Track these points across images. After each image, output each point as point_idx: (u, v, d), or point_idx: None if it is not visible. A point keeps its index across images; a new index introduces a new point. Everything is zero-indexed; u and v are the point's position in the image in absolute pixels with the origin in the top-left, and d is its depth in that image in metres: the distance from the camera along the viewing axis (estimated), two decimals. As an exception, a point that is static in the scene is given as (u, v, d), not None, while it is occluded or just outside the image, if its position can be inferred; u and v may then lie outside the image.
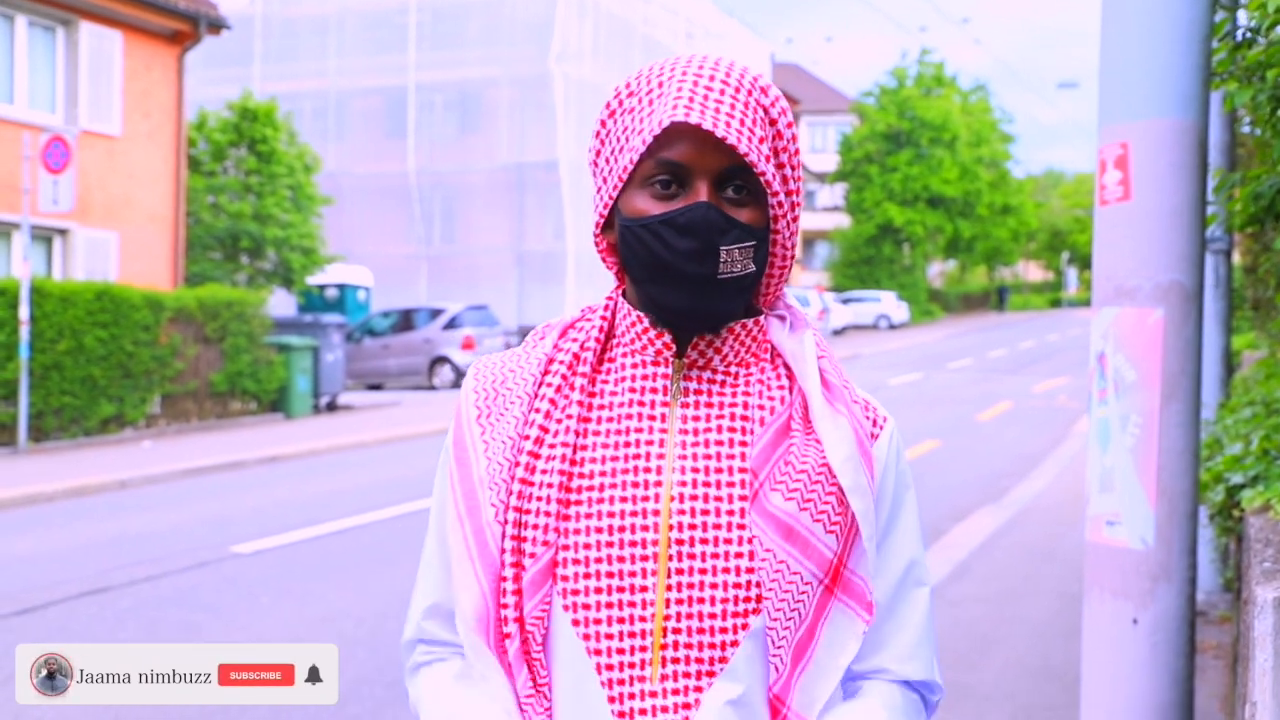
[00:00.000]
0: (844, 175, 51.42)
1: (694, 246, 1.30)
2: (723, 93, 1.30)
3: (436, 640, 1.45)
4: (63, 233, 17.31)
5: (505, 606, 1.33)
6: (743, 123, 1.30)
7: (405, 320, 24.95)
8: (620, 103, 1.35)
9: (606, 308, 1.44)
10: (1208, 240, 6.79)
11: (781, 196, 1.34)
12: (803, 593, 1.33)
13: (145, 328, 16.16)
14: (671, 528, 1.32)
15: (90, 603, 7.40)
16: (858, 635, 1.35)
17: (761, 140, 1.31)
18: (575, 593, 1.32)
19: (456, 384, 23.89)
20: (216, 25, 19.27)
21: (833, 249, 55.32)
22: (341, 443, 15.60)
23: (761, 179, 1.31)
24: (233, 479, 12.92)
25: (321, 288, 26.39)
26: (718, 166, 1.30)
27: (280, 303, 23.67)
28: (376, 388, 24.54)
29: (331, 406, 20.10)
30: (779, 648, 1.31)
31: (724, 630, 1.32)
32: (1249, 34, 3.39)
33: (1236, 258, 8.74)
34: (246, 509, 10.83)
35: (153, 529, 9.86)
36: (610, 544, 1.32)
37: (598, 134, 1.38)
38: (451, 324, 24.20)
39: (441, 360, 24.13)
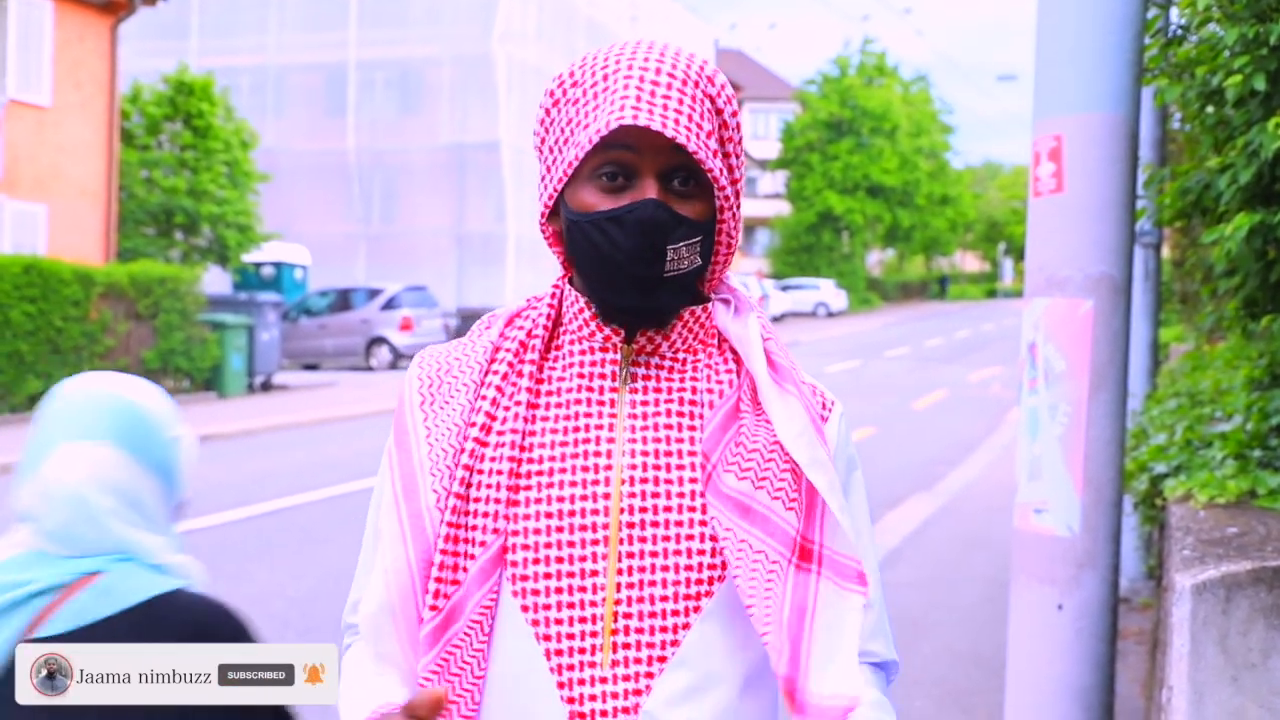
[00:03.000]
0: (785, 163, 51.65)
1: (641, 246, 1.29)
2: (670, 87, 1.28)
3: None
4: (-10, 204, 16.94)
5: (440, 595, 1.31)
6: (690, 119, 1.28)
7: (343, 300, 24.72)
8: (564, 92, 1.34)
9: (554, 296, 1.43)
10: (1138, 234, 6.91)
11: (729, 190, 1.34)
12: (771, 571, 1.31)
13: (75, 303, 15.85)
14: (622, 511, 1.31)
15: (14, 582, 7.27)
16: (857, 610, 1.34)
17: (709, 135, 1.31)
18: (524, 578, 1.31)
19: (394, 365, 23.72)
20: (152, -4, 18.91)
21: (773, 236, 55.59)
22: (276, 423, 15.43)
23: (709, 175, 1.30)
24: (163, 458, 12.72)
25: (258, 265, 26.05)
26: (665, 162, 1.30)
27: (215, 280, 23.31)
28: (313, 368, 24.29)
29: (266, 386, 19.87)
30: (768, 626, 1.29)
31: (675, 614, 1.31)
32: (1180, 31, 3.45)
33: (1166, 252, 8.90)
34: (177, 489, 10.67)
35: (80, 508, 9.69)
36: (560, 529, 1.31)
37: (541, 121, 1.37)
38: (390, 305, 24.01)
39: (379, 341, 23.94)
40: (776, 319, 39.34)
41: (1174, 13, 3.61)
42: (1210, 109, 3.31)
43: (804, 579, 1.33)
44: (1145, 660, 5.61)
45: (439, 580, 1.32)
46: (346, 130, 31.51)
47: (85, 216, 18.34)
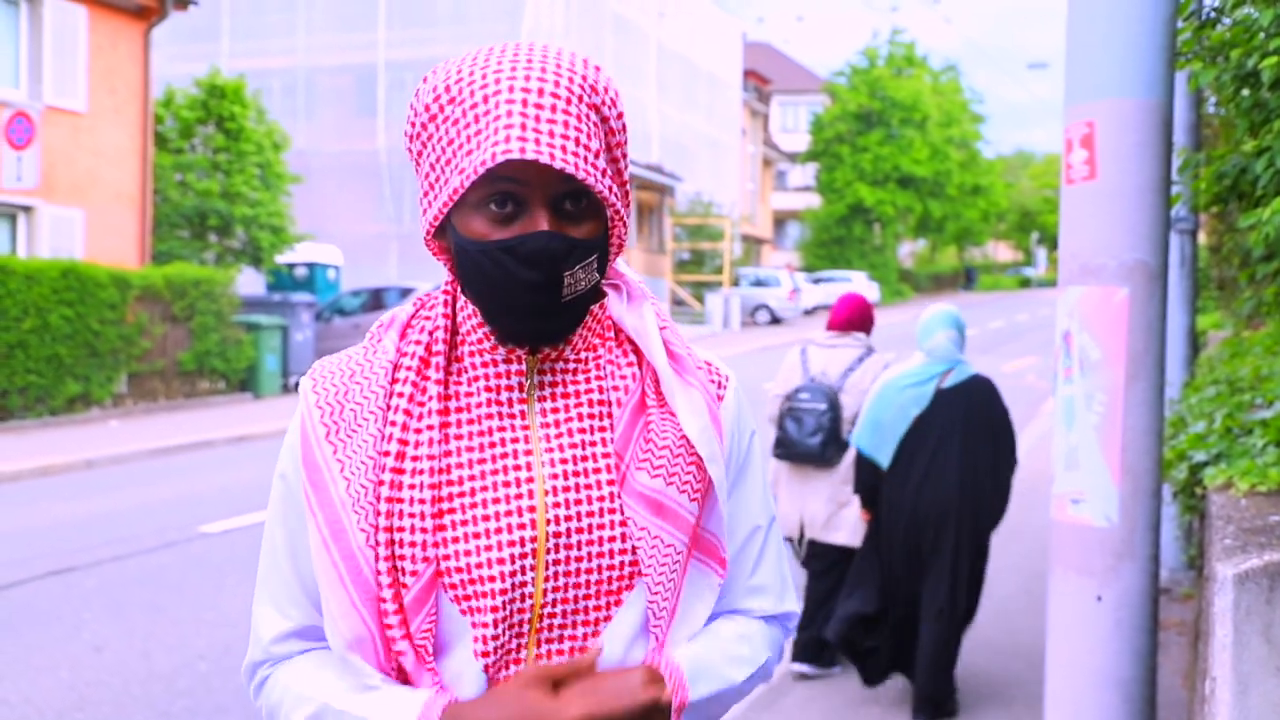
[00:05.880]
0: (815, 155, 51.43)
1: (537, 278, 1.27)
2: (554, 110, 1.24)
3: (294, 654, 1.41)
4: (27, 210, 17.11)
5: (390, 628, 1.30)
6: (578, 142, 1.25)
7: (375, 299, 24.80)
8: (440, 109, 1.28)
9: (446, 303, 1.39)
10: (1173, 220, 6.84)
11: (619, 205, 1.33)
12: (676, 562, 1.36)
13: (112, 306, 16.00)
14: (549, 521, 1.32)
15: (56, 583, 7.34)
16: (714, 588, 1.41)
17: (597, 154, 1.28)
18: (466, 598, 1.31)
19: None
20: (183, 1, 19.05)
21: (803, 229, 55.38)
22: (311, 422, 15.50)
23: (600, 196, 1.29)
24: (201, 458, 12.83)
25: (291, 266, 26.18)
26: (554, 189, 1.27)
27: (249, 281, 23.46)
28: (346, 367, 24.38)
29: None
30: (660, 619, 1.34)
31: (598, 609, 1.34)
32: (1213, 14, 3.40)
33: (1202, 238, 8.80)
34: (214, 489, 10.76)
35: (119, 509, 9.79)
36: (489, 547, 1.30)
37: (416, 134, 1.32)
38: (422, 303, 24.06)
39: (412, 340, 23.98)
40: (808, 312, 39.20)
41: (1207, -5, 3.56)
42: (1246, 92, 3.27)
43: (687, 560, 1.39)
44: (1187, 651, 5.55)
45: (397, 613, 1.30)
46: (377, 130, 31.64)
47: (121, 220, 18.51)
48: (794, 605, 1.53)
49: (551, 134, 1.23)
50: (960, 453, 5.09)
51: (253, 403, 18.13)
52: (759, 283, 37.69)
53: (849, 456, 5.57)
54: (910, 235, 54.58)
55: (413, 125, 1.33)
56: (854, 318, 5.92)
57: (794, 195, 58.66)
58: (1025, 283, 64.39)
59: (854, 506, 5.59)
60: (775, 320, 36.69)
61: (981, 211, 55.14)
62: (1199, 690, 2.91)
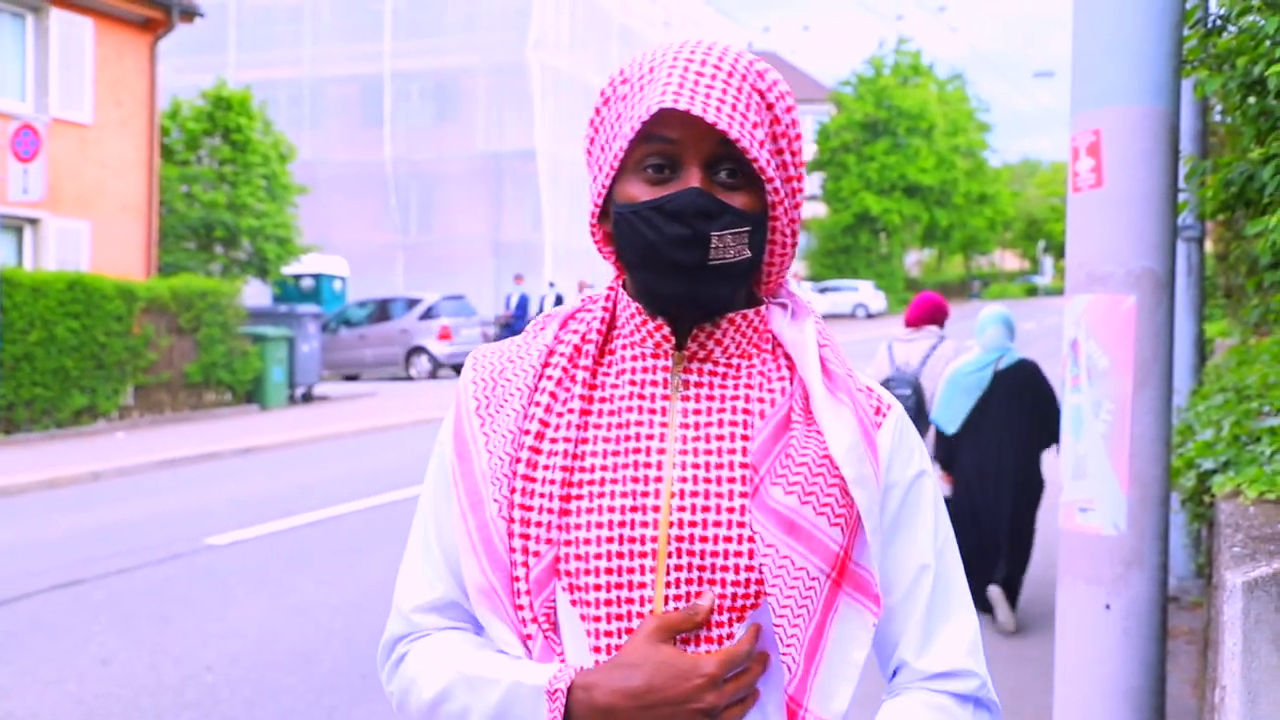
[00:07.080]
0: (821, 164, 51.49)
1: (683, 233, 1.27)
2: (714, 78, 1.28)
3: (432, 630, 1.41)
4: (33, 222, 17.17)
5: (522, 608, 1.32)
6: (734, 108, 1.27)
7: (381, 310, 24.86)
8: (614, 89, 1.34)
9: (608, 298, 1.42)
10: (1180, 228, 6.84)
11: (779, 183, 1.31)
12: (809, 588, 1.29)
13: (118, 318, 16.04)
14: (671, 524, 1.30)
15: (63, 595, 7.35)
16: (868, 628, 1.32)
17: (755, 125, 1.28)
18: (579, 588, 1.31)
19: (433, 374, 23.84)
20: (189, 13, 19.12)
21: (810, 238, 55.42)
22: (317, 434, 15.53)
23: (755, 165, 1.28)
24: (207, 470, 12.85)
25: (297, 278, 26.26)
26: (709, 151, 1.28)
27: (255, 293, 23.52)
28: (353, 378, 24.44)
29: (307, 397, 20.01)
30: (789, 646, 1.28)
31: (720, 624, 1.29)
32: (1219, 21, 3.40)
33: (1209, 245, 8.79)
34: (221, 500, 10.77)
35: (126, 521, 9.80)
36: (610, 539, 1.30)
37: (592, 122, 1.36)
38: (428, 314, 24.13)
39: (418, 350, 24.06)
40: (815, 321, 39.15)
41: (1213, 3, 3.56)
42: (1252, 100, 3.26)
43: (834, 593, 1.32)
44: (1196, 660, 5.53)
45: (527, 593, 1.32)
46: (383, 141, 31.75)
47: (127, 232, 18.57)
48: (968, 663, 1.39)
49: (708, 95, 1.26)
50: (1013, 419, 6.57)
51: (259, 414, 18.15)
52: (765, 292, 37.70)
53: (933, 431, 6.92)
54: (917, 244, 54.60)
55: (591, 123, 1.37)
56: (924, 315, 7.36)
57: (799, 204, 58.68)
58: (1032, 291, 64.31)
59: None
60: (781, 329, 36.67)
61: (988, 220, 55.13)
62: (1208, 699, 2.90)
